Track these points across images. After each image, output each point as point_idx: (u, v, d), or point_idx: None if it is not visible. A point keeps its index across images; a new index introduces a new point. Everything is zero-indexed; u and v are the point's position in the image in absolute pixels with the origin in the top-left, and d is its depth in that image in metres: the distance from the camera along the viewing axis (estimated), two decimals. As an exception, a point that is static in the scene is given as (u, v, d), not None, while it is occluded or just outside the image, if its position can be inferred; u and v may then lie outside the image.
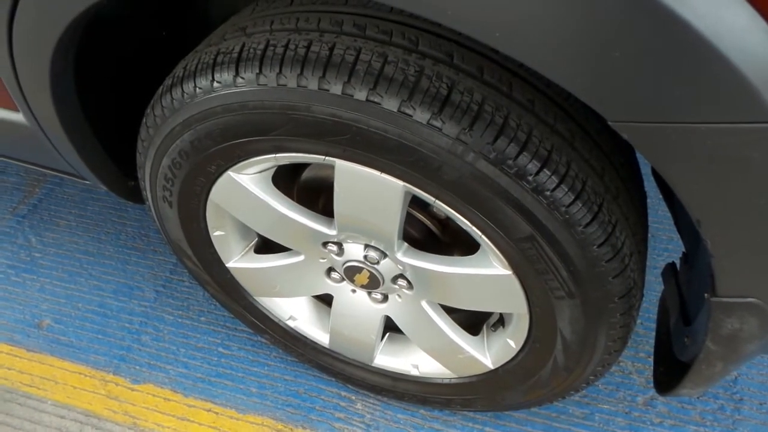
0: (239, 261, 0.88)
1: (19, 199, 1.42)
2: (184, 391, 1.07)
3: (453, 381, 0.91)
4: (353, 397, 1.05)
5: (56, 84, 0.68)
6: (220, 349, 1.13)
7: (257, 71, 0.57)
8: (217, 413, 1.05)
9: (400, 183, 0.61)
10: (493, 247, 0.63)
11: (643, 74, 0.39)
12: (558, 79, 0.42)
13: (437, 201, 0.61)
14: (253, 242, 0.89)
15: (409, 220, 0.75)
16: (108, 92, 0.79)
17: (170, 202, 0.78)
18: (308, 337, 0.97)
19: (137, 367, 1.11)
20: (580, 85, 0.42)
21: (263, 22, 0.60)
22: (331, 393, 1.06)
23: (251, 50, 0.58)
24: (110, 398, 1.07)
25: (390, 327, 0.91)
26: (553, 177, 0.54)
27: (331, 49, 0.54)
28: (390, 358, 0.96)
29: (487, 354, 0.83)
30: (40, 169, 1.02)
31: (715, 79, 0.38)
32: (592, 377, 0.75)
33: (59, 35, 0.59)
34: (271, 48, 0.56)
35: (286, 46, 0.56)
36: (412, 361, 0.94)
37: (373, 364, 0.96)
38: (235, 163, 0.69)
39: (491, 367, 0.83)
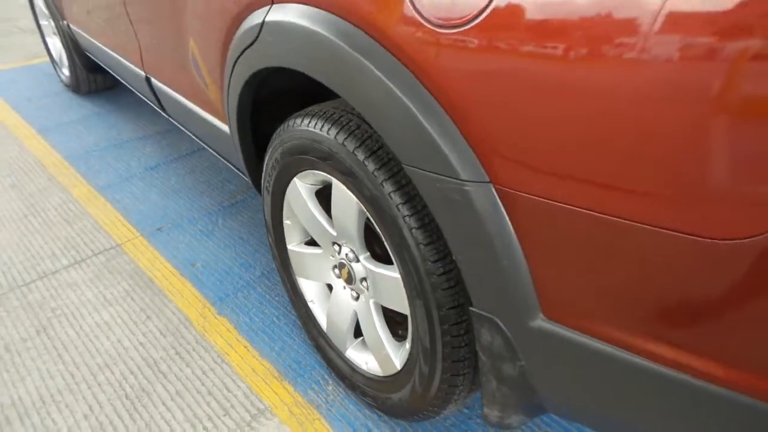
0: (294, 246, 1.39)
1: (228, 197, 2.19)
2: (239, 331, 1.58)
3: (379, 377, 1.23)
4: (329, 381, 1.42)
5: (240, 111, 1.32)
6: (274, 319, 1.62)
7: (309, 120, 1.11)
8: (248, 350, 1.52)
9: (355, 198, 1.06)
10: (388, 247, 1.02)
11: (403, 131, 0.80)
12: (377, 130, 0.85)
13: (366, 210, 1.04)
14: (307, 238, 1.39)
15: (377, 240, 1.17)
16: (268, 122, 1.41)
17: (268, 190, 1.35)
18: (317, 318, 1.40)
19: (225, 307, 1.66)
20: (388, 138, 0.84)
21: (329, 104, 1.15)
22: (319, 372, 1.45)
23: (312, 111, 1.12)
24: (201, 316, 1.64)
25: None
26: (415, 217, 0.94)
27: (340, 117, 1.05)
28: (356, 353, 1.32)
29: (398, 354, 1.16)
30: (247, 182, 1.70)
31: (426, 139, 0.77)
32: (440, 394, 1.03)
33: (244, 81, 1.22)
34: (320, 112, 1.10)
35: (325, 112, 1.09)
36: (366, 359, 1.29)
37: (345, 354, 1.34)
38: (297, 173, 1.22)
39: (398, 367, 1.16)
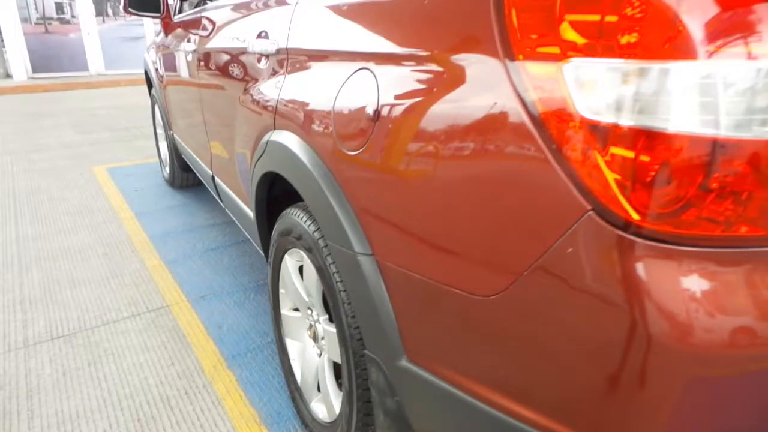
0: (285, 311, 1.73)
1: (264, 276, 2.60)
2: (239, 382, 1.90)
3: (327, 423, 1.49)
4: (298, 429, 1.69)
5: (258, 201, 1.75)
6: (269, 377, 1.93)
7: (294, 210, 1.49)
8: (241, 398, 1.83)
9: (314, 268, 1.41)
10: (331, 306, 1.33)
11: (326, 217, 1.15)
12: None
13: (318, 279, 1.38)
14: (295, 306, 1.73)
15: (337, 309, 1.49)
16: (279, 209, 1.82)
17: (270, 263, 1.73)
18: (295, 374, 1.70)
19: (234, 363, 2.00)
20: (319, 221, 1.19)
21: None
22: (291, 422, 1.72)
23: (297, 204, 1.51)
24: (213, 367, 1.98)
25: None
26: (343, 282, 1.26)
27: (313, 212, 1.43)
28: (317, 405, 1.59)
29: (338, 401, 1.42)
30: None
31: (337, 222, 1.11)
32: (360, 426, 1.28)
33: (259, 179, 1.65)
34: (301, 205, 1.49)
35: (303, 205, 1.47)
36: (323, 408, 1.56)
37: (310, 405, 1.61)
38: (286, 251, 1.60)
39: (337, 412, 1.42)
